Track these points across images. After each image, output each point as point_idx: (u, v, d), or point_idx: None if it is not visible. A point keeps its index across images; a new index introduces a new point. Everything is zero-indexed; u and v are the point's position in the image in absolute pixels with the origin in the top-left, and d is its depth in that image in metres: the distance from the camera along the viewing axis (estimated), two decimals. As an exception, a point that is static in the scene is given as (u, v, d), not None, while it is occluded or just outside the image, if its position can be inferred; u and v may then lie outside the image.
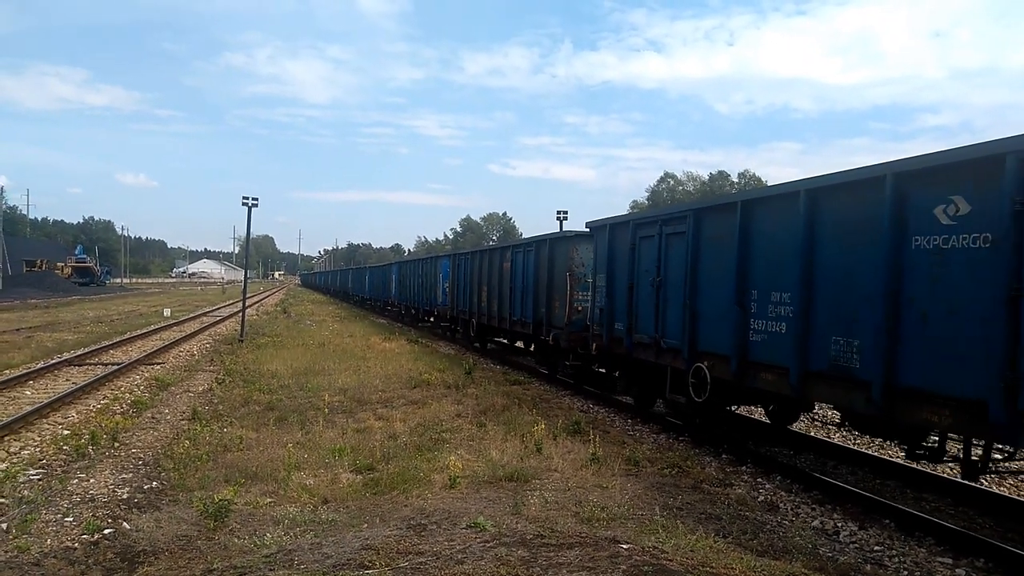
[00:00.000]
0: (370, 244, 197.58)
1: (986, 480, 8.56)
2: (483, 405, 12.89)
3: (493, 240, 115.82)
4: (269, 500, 7.55)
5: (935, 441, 7.28)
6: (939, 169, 6.30)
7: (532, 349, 19.35)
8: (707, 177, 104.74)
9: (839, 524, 7.34)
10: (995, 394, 5.63)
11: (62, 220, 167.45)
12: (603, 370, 14.16)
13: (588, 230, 13.89)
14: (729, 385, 9.28)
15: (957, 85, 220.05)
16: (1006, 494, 8.29)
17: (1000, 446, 6.58)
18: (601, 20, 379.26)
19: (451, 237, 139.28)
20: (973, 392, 5.85)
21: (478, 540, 5.65)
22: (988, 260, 5.77)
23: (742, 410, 12.23)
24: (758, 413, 12.33)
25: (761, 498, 8.15)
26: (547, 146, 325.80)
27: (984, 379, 5.74)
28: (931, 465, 8.27)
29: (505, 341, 22.33)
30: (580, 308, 14.48)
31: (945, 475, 8.63)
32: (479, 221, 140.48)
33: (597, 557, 5.22)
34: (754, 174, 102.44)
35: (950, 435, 7.04)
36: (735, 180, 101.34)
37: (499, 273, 19.67)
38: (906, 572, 6.17)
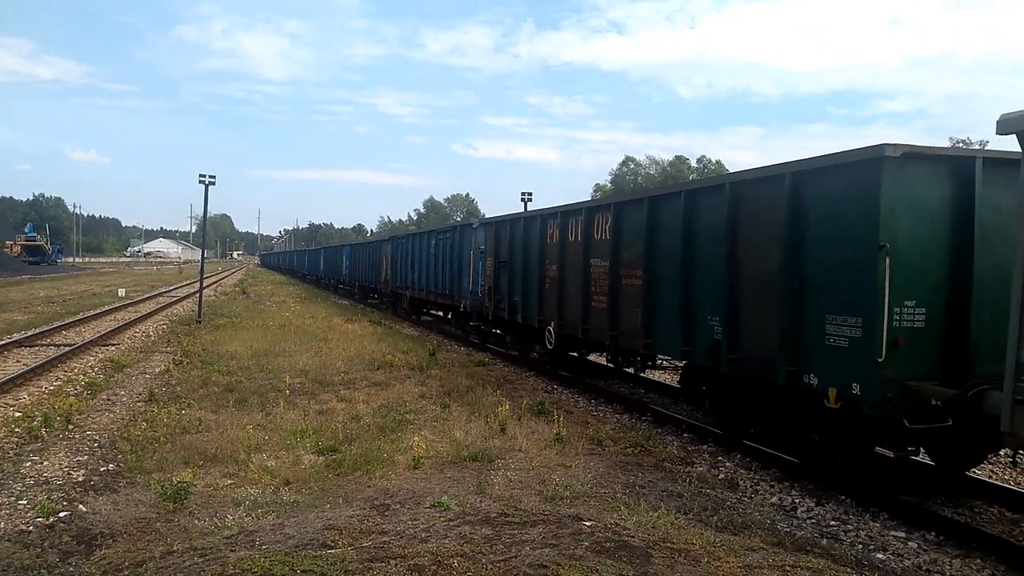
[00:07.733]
0: (331, 224, 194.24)
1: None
2: (447, 386, 12.88)
3: (458, 219, 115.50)
4: (229, 482, 7.46)
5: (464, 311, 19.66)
6: (451, 228, 21.75)
7: (378, 297, 34.16)
8: (669, 161, 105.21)
9: (797, 500, 7.51)
10: (465, 294, 18.83)
11: (11, 197, 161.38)
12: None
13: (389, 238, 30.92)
14: (417, 299, 24.52)
15: (913, 72, 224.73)
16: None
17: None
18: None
19: (415, 218, 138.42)
20: (458, 295, 19.53)
21: (442, 519, 5.65)
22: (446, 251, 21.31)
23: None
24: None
25: (721, 475, 8.30)
26: (510, 127, 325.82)
27: (458, 290, 19.50)
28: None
29: (387, 298, 33.38)
30: (389, 276, 29.08)
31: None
32: (443, 202, 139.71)
33: (560, 534, 5.26)
34: (712, 159, 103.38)
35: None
36: (694, 164, 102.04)
37: (366, 257, 35.70)
38: (860, 546, 6.35)
